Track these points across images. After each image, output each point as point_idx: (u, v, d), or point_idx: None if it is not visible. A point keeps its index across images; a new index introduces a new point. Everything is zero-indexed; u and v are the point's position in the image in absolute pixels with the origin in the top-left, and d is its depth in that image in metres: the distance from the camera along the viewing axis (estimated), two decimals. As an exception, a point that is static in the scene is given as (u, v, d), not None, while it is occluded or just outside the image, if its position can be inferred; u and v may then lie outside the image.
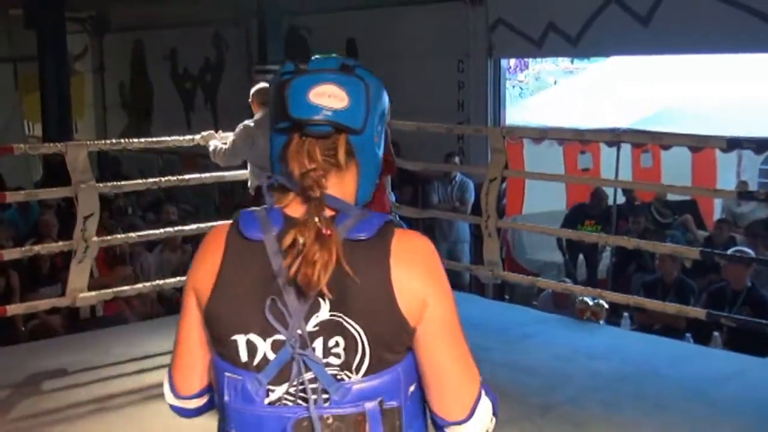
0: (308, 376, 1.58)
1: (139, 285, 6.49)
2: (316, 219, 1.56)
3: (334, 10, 12.19)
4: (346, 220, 1.60)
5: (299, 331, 1.57)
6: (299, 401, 1.59)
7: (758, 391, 5.21)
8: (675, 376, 5.46)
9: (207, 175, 7.46)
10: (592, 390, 5.24)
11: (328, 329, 1.57)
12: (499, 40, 10.51)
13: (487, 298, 8.42)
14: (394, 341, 1.60)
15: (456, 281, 7.20)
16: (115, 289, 6.33)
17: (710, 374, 5.50)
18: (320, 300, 1.57)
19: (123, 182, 6.49)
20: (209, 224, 7.24)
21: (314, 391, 1.57)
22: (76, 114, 15.94)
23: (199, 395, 1.78)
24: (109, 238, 6.39)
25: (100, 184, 6.00)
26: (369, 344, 1.57)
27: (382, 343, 1.59)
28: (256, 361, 1.59)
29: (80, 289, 5.88)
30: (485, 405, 1.68)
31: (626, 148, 10.14)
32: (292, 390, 1.59)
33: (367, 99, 1.64)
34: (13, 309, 6.13)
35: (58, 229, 8.81)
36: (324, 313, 1.57)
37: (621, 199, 10.25)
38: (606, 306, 6.65)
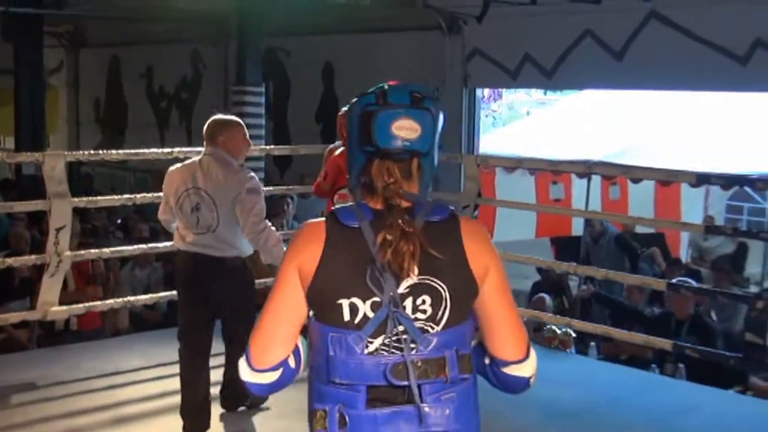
0: (400, 329, 2.02)
1: (110, 300, 6.48)
2: (400, 221, 2.03)
3: (313, 33, 12.26)
4: (422, 208, 2.08)
5: (392, 294, 2.02)
6: (393, 350, 2.04)
7: (720, 423, 5.29)
8: (639, 406, 5.54)
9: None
10: (555, 417, 5.29)
11: (417, 290, 2.05)
12: (475, 70, 10.62)
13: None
14: (467, 297, 2.09)
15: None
16: (86, 304, 6.33)
17: (674, 405, 5.58)
18: (410, 269, 2.02)
19: (98, 197, 6.49)
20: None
21: (405, 341, 2.02)
22: (48, 128, 15.84)
23: (273, 369, 2.11)
24: (82, 252, 6.38)
25: (75, 198, 6.00)
26: (450, 298, 2.05)
27: (459, 297, 2.07)
28: (357, 320, 2.04)
29: (51, 303, 5.87)
30: (533, 353, 2.17)
31: (596, 180, 10.29)
32: (387, 341, 2.04)
33: (433, 127, 2.11)
34: (-17, 321, 6.11)
35: (30, 241, 8.77)
36: (413, 278, 2.03)
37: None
38: (574, 335, 6.73)
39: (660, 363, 6.75)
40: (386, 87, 2.14)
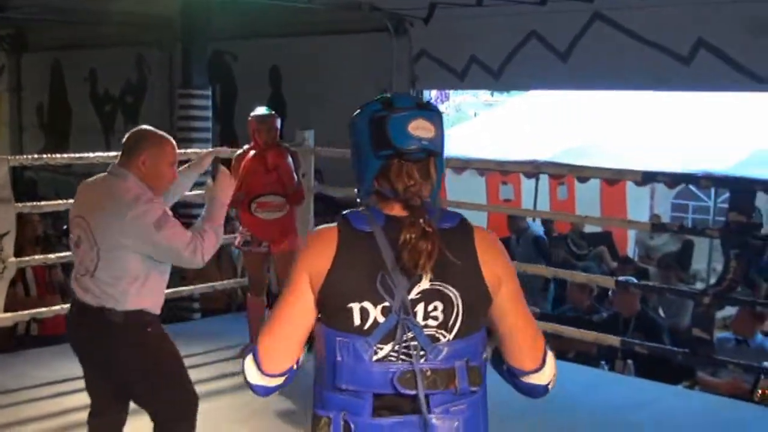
0: (410, 336, 2.00)
1: (57, 307, 6.37)
2: (421, 221, 2.01)
3: (259, 36, 12.20)
4: (433, 215, 2.06)
5: (403, 300, 2.00)
6: (402, 357, 2.01)
7: (670, 418, 5.36)
8: (590, 402, 5.59)
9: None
10: (506, 416, 5.29)
11: (428, 296, 2.03)
12: (422, 71, 10.64)
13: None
14: (479, 307, 2.08)
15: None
16: (31, 311, 6.22)
17: (624, 401, 5.64)
18: (423, 274, 2.01)
19: (42, 202, 6.37)
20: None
21: (415, 349, 1.99)
22: (-10, 133, 15.64)
23: (283, 374, 2.12)
24: (26, 258, 6.28)
25: (19, 204, 5.89)
26: (462, 307, 2.03)
27: (471, 307, 2.05)
28: (367, 325, 2.02)
29: (-3, 310, 5.77)
30: (551, 355, 2.19)
31: (544, 181, 10.38)
32: (396, 348, 2.01)
33: (442, 125, 2.12)
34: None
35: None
36: (425, 283, 2.02)
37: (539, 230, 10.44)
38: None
39: (609, 360, 6.81)
40: (388, 95, 2.15)
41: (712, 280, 8.96)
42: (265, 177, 5.96)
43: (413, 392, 1.99)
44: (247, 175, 5.95)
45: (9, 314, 5.89)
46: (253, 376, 2.12)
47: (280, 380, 2.14)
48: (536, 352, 2.16)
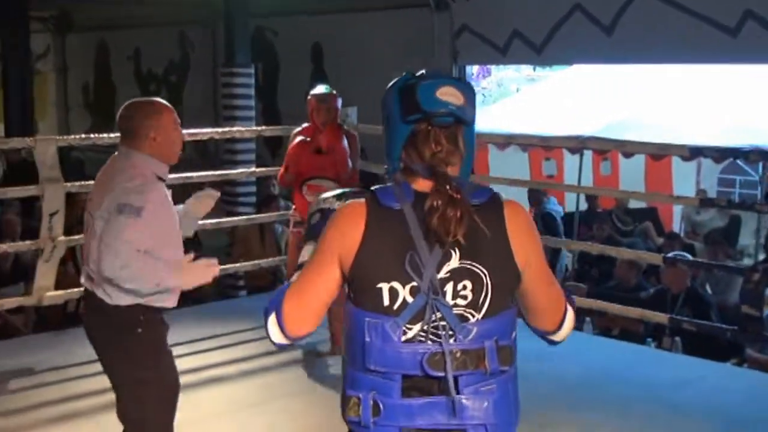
0: (438, 316, 1.98)
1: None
2: (447, 187, 1.99)
3: (301, 13, 12.20)
4: (463, 188, 2.02)
5: (432, 279, 1.98)
6: (431, 338, 1.99)
7: (717, 396, 5.31)
8: (636, 380, 5.55)
9: (174, 175, 7.43)
10: (554, 393, 5.30)
11: (458, 275, 2.00)
12: (464, 47, 10.56)
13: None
14: (509, 285, 2.07)
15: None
16: (80, 289, 6.29)
17: (671, 378, 5.60)
18: (451, 251, 2.00)
19: (90, 182, 6.43)
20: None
21: (444, 329, 1.98)
22: (38, 114, 15.80)
23: (303, 338, 2.16)
24: (76, 237, 6.35)
25: (67, 183, 5.96)
26: (492, 285, 2.01)
27: (500, 285, 2.03)
28: (396, 305, 1.99)
29: (47, 288, 5.85)
30: (569, 316, 2.23)
31: (587, 157, 10.28)
32: (425, 328, 1.99)
33: (473, 100, 2.11)
34: (-21, 308, 6.09)
35: (21, 228, 8.75)
36: (455, 262, 2.00)
37: (583, 206, 10.38)
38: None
39: (656, 337, 6.76)
40: (423, 71, 2.15)
41: (761, 256, 8.87)
42: (317, 159, 5.70)
43: (442, 374, 1.98)
44: (299, 156, 5.73)
45: (60, 292, 5.97)
46: (276, 336, 2.14)
47: (300, 341, 2.20)
48: (555, 319, 2.22)
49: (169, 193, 3.51)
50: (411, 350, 1.99)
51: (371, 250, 2.02)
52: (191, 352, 5.91)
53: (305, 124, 5.90)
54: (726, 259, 8.15)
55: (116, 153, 3.51)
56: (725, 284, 7.87)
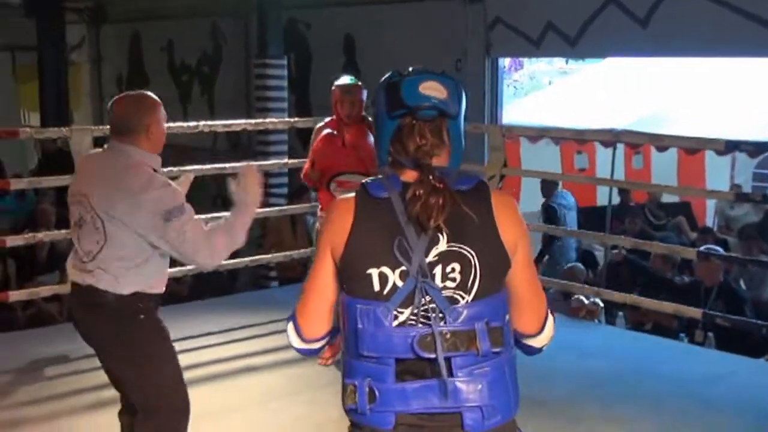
0: (428, 299, 2.01)
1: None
2: (430, 177, 2.04)
3: (333, 5, 12.20)
4: (448, 177, 2.07)
5: (420, 263, 2.02)
6: (421, 321, 2.02)
7: (750, 391, 5.26)
8: (670, 374, 5.52)
9: (208, 166, 7.47)
10: (586, 387, 5.29)
11: (446, 258, 2.04)
12: (497, 39, 10.54)
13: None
14: (498, 268, 2.08)
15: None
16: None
17: (703, 374, 5.57)
18: (439, 235, 2.03)
19: (125, 172, 6.48)
20: (209, 215, 7.28)
21: (434, 311, 2.00)
22: (72, 104, 15.94)
23: (322, 339, 2.21)
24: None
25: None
26: (480, 267, 2.04)
27: (489, 267, 2.06)
28: (386, 290, 2.03)
29: (81, 277, 5.89)
30: (551, 320, 2.22)
31: (619, 150, 10.21)
32: (415, 312, 2.02)
33: (458, 94, 2.16)
34: (15, 295, 6.15)
35: (56, 217, 8.85)
36: (442, 245, 2.04)
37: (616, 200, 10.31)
38: (602, 305, 6.71)
39: (689, 331, 6.72)
40: (409, 68, 2.22)
41: (796, 252, 8.78)
42: (346, 153, 5.36)
43: (433, 355, 2.00)
44: (326, 151, 5.43)
45: (93, 281, 6.01)
46: (296, 342, 2.21)
47: (321, 342, 2.23)
48: (538, 319, 2.20)
49: None
50: (402, 334, 2.02)
51: (360, 238, 2.07)
52: (224, 342, 5.96)
53: (328, 118, 5.60)
54: (760, 255, 8.08)
55: (107, 148, 3.48)
56: (759, 280, 7.81)
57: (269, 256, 7.54)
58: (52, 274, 7.87)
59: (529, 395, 4.92)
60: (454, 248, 2.04)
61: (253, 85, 10.40)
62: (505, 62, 11.66)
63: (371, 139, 5.17)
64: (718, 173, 11.37)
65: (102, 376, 5.25)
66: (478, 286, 2.04)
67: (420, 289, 2.01)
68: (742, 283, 7.66)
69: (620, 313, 7.55)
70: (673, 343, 6.49)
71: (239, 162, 7.51)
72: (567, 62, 13.52)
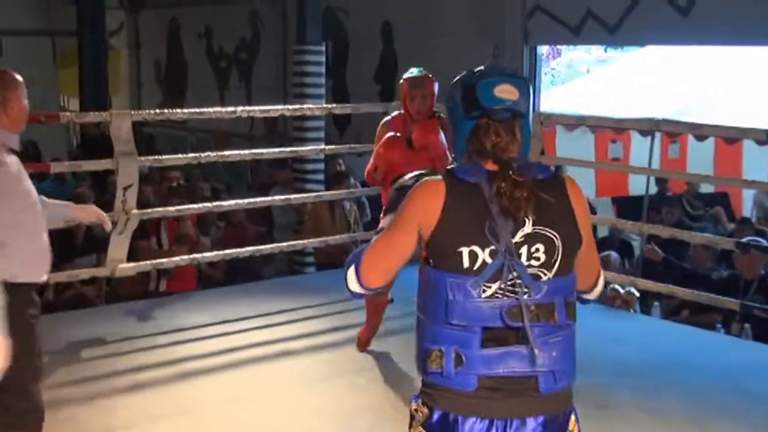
0: (514, 275, 2.24)
1: (176, 258, 6.56)
2: (510, 172, 2.25)
3: (371, -8, 12.22)
4: (527, 167, 2.30)
5: (508, 243, 2.24)
6: (507, 294, 2.24)
7: (788, 383, 5.22)
8: (705, 365, 5.49)
9: (245, 152, 7.52)
10: (621, 376, 5.27)
11: (531, 239, 2.27)
12: (535, 27, 10.49)
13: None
14: (575, 247, 2.33)
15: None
16: (152, 261, 6.42)
17: (741, 365, 5.52)
18: (525, 219, 2.26)
19: (164, 156, 6.55)
20: (245, 200, 7.34)
21: (520, 286, 2.24)
22: (111, 90, 16.07)
23: (375, 289, 2.46)
24: (149, 210, 6.46)
25: (141, 158, 6.06)
26: (563, 247, 2.29)
27: (569, 248, 2.31)
28: (476, 266, 2.24)
29: (119, 260, 5.96)
30: (602, 278, 2.56)
31: (656, 139, 10.11)
32: (502, 286, 2.24)
33: (528, 93, 2.36)
34: (54, 277, 6.21)
35: (94, 201, 8.94)
36: (528, 228, 2.26)
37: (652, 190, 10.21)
38: (637, 294, 6.67)
39: (725, 323, 6.66)
40: (482, 68, 2.41)
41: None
42: (412, 155, 4.88)
43: (520, 324, 2.23)
44: (387, 157, 4.97)
45: (132, 264, 6.08)
46: (354, 285, 2.43)
47: (373, 292, 2.48)
48: (592, 280, 2.51)
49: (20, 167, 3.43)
50: (490, 305, 2.24)
51: (452, 219, 2.27)
52: (261, 326, 6.00)
53: (396, 113, 5.12)
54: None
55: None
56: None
57: (305, 241, 7.57)
58: (90, 257, 7.95)
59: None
60: (539, 230, 2.27)
61: (291, 72, 10.41)
62: (543, 50, 11.60)
63: (443, 137, 4.94)
64: (755, 163, 11.23)
65: (138, 359, 5.37)
66: (560, 264, 2.29)
67: (508, 266, 2.23)
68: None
69: (656, 303, 7.49)
70: (709, 334, 6.44)
71: (275, 148, 7.61)
72: (605, 50, 13.42)
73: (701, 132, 7.47)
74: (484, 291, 2.24)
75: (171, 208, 6.67)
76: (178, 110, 6.51)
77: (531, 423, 2.30)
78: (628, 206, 10.44)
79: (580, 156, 9.10)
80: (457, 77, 2.41)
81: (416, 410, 2.37)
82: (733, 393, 5.00)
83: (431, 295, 2.31)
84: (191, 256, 6.60)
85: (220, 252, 6.78)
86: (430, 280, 2.32)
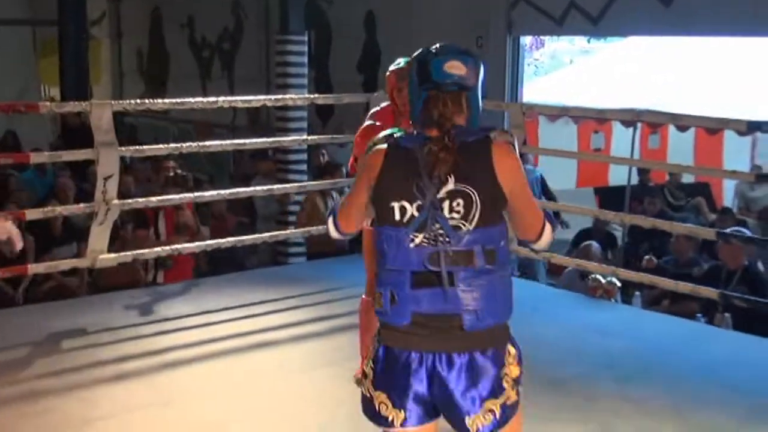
0: (437, 226, 2.58)
1: (158, 248, 6.53)
2: (445, 138, 2.60)
3: (354, -19, 12.16)
4: (462, 133, 2.64)
5: (432, 199, 2.57)
6: (431, 243, 2.59)
7: (768, 372, 5.25)
8: (687, 355, 5.51)
9: (227, 142, 7.50)
10: (603, 366, 5.28)
11: (453, 195, 2.59)
12: (519, 17, 10.47)
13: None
14: (494, 204, 2.62)
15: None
16: (134, 252, 6.39)
17: (722, 355, 5.55)
18: (448, 177, 2.59)
19: (144, 146, 6.51)
20: (227, 191, 7.31)
21: (441, 236, 2.58)
22: (92, 80, 15.97)
23: (353, 234, 2.96)
24: (129, 201, 6.43)
25: (122, 148, 6.03)
26: (480, 202, 2.59)
27: (487, 203, 2.59)
28: (405, 219, 2.61)
29: (100, 251, 5.93)
30: (547, 231, 2.77)
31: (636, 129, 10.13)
32: (427, 236, 2.59)
33: (476, 69, 2.70)
34: (34, 268, 6.20)
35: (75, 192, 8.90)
36: (450, 185, 2.59)
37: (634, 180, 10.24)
38: (618, 284, 6.69)
39: (707, 312, 6.69)
40: (437, 45, 2.75)
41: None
42: None
43: (438, 269, 2.56)
44: (366, 141, 4.75)
45: (112, 255, 6.06)
46: (334, 232, 2.93)
47: (350, 236, 3.00)
48: (533, 231, 2.77)
49: None
50: (417, 252, 2.60)
51: (387, 179, 2.66)
52: (244, 316, 5.99)
53: (384, 104, 4.86)
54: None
55: None
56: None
57: (287, 231, 7.56)
58: (70, 246, 7.91)
59: (546, 373, 5.01)
60: (460, 187, 2.58)
61: (274, 62, 10.37)
62: (527, 41, 11.60)
63: None
64: (737, 154, 11.28)
65: (120, 350, 5.35)
66: (478, 217, 2.58)
67: (431, 218, 2.57)
68: (760, 264, 7.60)
69: (637, 293, 7.52)
70: (690, 324, 6.46)
71: (258, 138, 7.58)
72: (589, 41, 13.44)
73: (682, 122, 7.48)
74: (412, 240, 2.60)
75: (153, 198, 6.64)
76: (159, 100, 6.47)
77: (457, 358, 2.59)
78: (610, 197, 10.49)
79: (563, 147, 9.11)
80: (414, 54, 2.75)
81: (370, 349, 2.75)
82: (714, 383, 5.02)
83: (376, 247, 2.71)
84: (173, 247, 6.57)
85: (202, 243, 6.76)
86: (375, 234, 2.74)
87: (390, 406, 2.65)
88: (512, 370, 2.67)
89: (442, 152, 2.58)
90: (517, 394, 2.69)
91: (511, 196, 2.65)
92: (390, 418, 2.65)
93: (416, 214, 2.60)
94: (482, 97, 2.74)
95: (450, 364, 2.58)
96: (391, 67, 4.80)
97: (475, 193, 2.58)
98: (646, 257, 7.85)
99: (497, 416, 2.61)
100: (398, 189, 2.63)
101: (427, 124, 2.68)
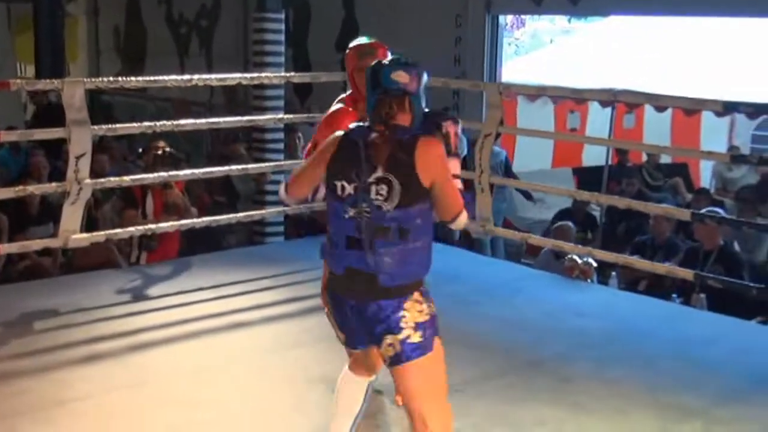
0: (364, 204, 3.20)
1: (131, 228, 6.47)
2: (386, 133, 3.23)
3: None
4: (401, 132, 3.25)
5: (363, 182, 3.20)
6: (359, 217, 3.22)
7: (743, 353, 5.25)
8: (662, 335, 5.52)
9: (202, 121, 7.43)
10: (580, 347, 5.29)
11: (379, 181, 3.20)
12: (498, -5, 10.43)
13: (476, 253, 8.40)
14: (412, 191, 3.19)
15: (446, 235, 7.18)
16: (107, 231, 6.33)
17: (697, 335, 5.56)
18: (379, 167, 3.20)
19: (117, 125, 6.44)
20: (203, 170, 7.26)
21: (367, 212, 3.21)
22: (68, 57, 15.79)
23: (298, 198, 3.64)
24: (102, 180, 6.37)
25: (95, 126, 5.96)
26: (400, 190, 3.17)
27: (406, 189, 3.17)
28: (344, 195, 3.25)
29: (72, 231, 5.87)
30: (463, 215, 3.34)
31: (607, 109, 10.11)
32: (357, 211, 3.22)
33: (419, 77, 3.31)
34: (6, 248, 6.13)
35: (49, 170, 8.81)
36: (379, 173, 3.20)
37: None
38: (595, 265, 6.69)
39: (683, 293, 6.71)
40: (389, 59, 3.40)
41: (793, 215, 8.75)
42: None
43: (362, 237, 3.21)
44: (338, 128, 3.73)
45: (85, 234, 6.01)
46: (282, 195, 3.58)
47: (299, 200, 3.68)
48: (449, 214, 3.32)
49: None
50: (350, 222, 3.25)
51: (336, 162, 3.30)
52: (218, 297, 5.96)
53: (343, 95, 4.34)
54: (756, 217, 8.05)
55: None
56: (754, 242, 7.79)
57: (263, 211, 7.51)
58: (47, 226, 7.84)
59: (522, 354, 5.03)
60: (386, 176, 3.18)
61: (251, 40, 10.27)
62: (507, 20, 11.55)
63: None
64: (714, 134, 11.30)
65: (93, 330, 5.31)
66: (397, 201, 3.17)
67: (361, 197, 3.20)
68: (736, 245, 7.64)
69: (613, 273, 7.53)
70: (666, 304, 6.47)
71: (235, 117, 7.51)
72: (569, 21, 13.40)
73: (660, 103, 7.47)
74: (347, 213, 3.24)
75: (126, 178, 6.57)
76: (133, 78, 6.40)
77: (374, 304, 3.23)
78: (588, 177, 10.49)
79: (541, 127, 9.09)
80: (371, 66, 3.32)
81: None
82: (690, 362, 5.04)
83: (327, 215, 3.39)
84: (146, 227, 6.51)
85: (176, 222, 6.70)
86: (327, 207, 3.39)
87: (338, 331, 3.69)
88: (414, 315, 3.23)
89: (379, 145, 3.22)
90: (424, 338, 3.24)
91: (435, 188, 3.23)
92: (341, 339, 3.66)
93: (351, 192, 3.24)
94: (425, 101, 3.34)
95: (368, 307, 3.25)
96: (351, 45, 4.32)
97: (396, 181, 3.17)
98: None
99: (398, 350, 3.23)
100: (342, 171, 3.27)
101: (376, 121, 3.29)
